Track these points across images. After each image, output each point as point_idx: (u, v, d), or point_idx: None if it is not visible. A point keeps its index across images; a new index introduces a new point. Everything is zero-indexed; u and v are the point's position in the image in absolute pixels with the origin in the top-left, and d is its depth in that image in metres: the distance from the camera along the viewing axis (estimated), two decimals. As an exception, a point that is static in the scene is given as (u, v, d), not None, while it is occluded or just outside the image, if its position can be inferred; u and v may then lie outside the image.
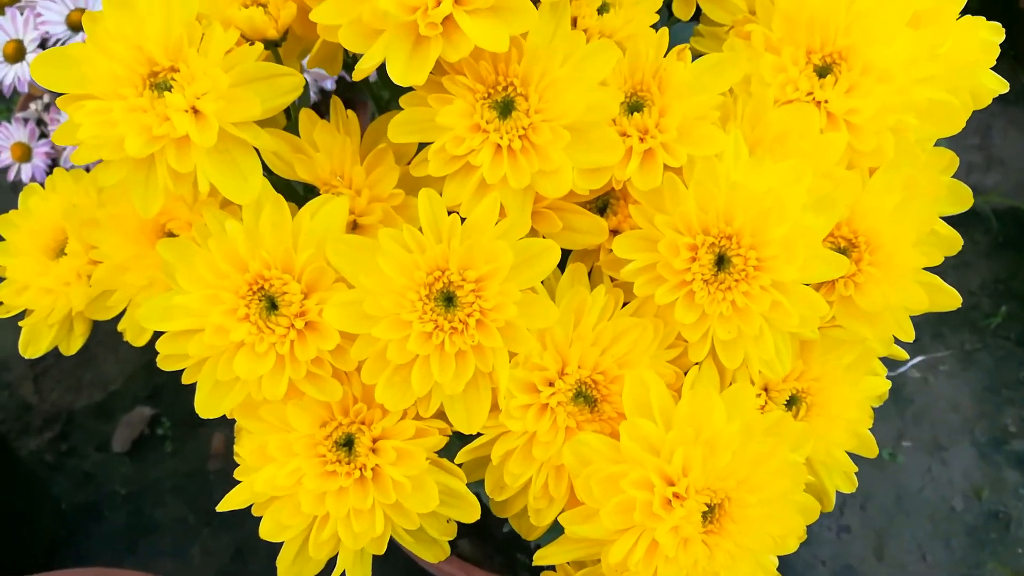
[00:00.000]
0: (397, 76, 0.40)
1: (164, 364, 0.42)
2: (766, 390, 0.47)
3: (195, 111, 0.41)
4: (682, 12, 0.50)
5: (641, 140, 0.43)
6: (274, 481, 0.41)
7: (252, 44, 0.43)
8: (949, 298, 0.46)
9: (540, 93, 0.42)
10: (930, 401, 1.34)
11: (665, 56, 0.44)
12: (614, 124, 0.44)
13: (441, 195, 0.42)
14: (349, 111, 0.46)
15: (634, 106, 0.45)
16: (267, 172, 0.45)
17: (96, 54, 0.41)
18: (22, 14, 0.91)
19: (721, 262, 0.43)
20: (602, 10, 0.46)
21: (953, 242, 0.50)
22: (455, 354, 0.40)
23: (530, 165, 0.42)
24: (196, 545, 1.27)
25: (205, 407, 0.42)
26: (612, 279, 0.45)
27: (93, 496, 1.31)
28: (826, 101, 0.46)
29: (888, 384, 0.49)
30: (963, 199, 0.51)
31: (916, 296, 0.45)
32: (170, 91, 0.41)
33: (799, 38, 0.47)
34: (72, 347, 0.53)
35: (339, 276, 0.42)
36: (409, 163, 0.45)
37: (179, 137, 0.40)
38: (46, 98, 0.98)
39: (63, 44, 0.91)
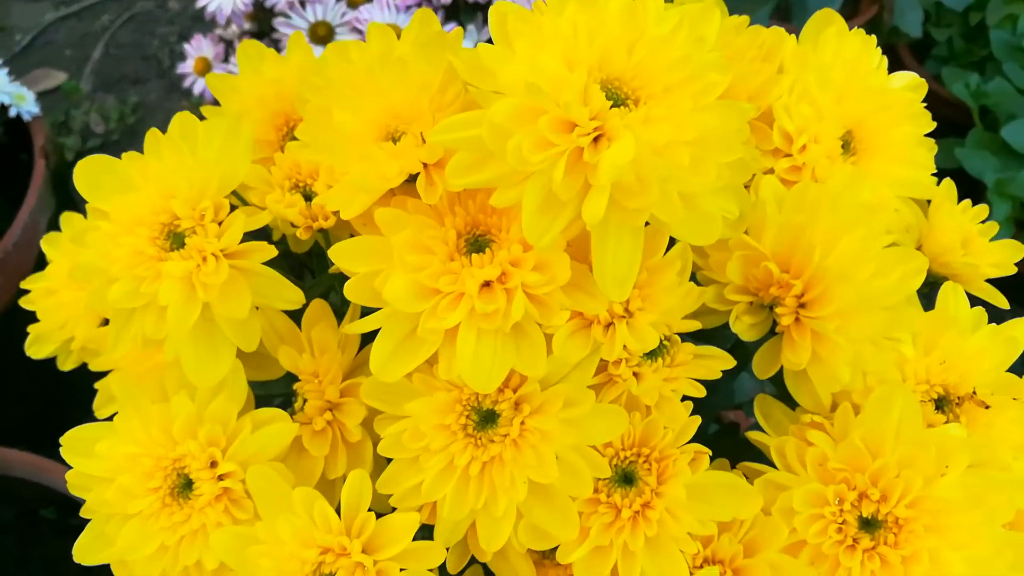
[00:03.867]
0: (377, 366, 0.37)
1: (72, 487, 0.42)
2: None
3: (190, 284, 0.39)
4: (761, 371, 0.43)
5: (610, 523, 0.38)
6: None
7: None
8: None
9: (521, 431, 0.37)
10: None
11: (682, 447, 0.39)
12: (597, 490, 0.39)
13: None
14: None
15: (626, 477, 0.39)
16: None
17: (136, 179, 0.40)
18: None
19: None
20: (655, 354, 0.40)
21: None
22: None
23: (476, 499, 0.38)
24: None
25: (83, 551, 0.42)
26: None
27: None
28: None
29: None
30: None
31: None
32: (183, 248, 0.39)
33: (858, 479, 0.40)
34: (67, 365, 0.55)
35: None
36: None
37: (161, 306, 0.39)
38: (247, 26, 1.00)
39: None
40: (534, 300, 0.36)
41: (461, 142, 0.35)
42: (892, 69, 0.48)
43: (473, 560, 0.42)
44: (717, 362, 0.41)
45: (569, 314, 0.36)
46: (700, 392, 0.40)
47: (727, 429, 0.62)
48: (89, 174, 0.41)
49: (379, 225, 0.38)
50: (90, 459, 0.41)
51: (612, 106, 0.33)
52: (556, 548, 0.41)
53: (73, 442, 0.42)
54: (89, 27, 1.60)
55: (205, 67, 1.00)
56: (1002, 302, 0.47)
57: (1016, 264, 0.48)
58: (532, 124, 0.32)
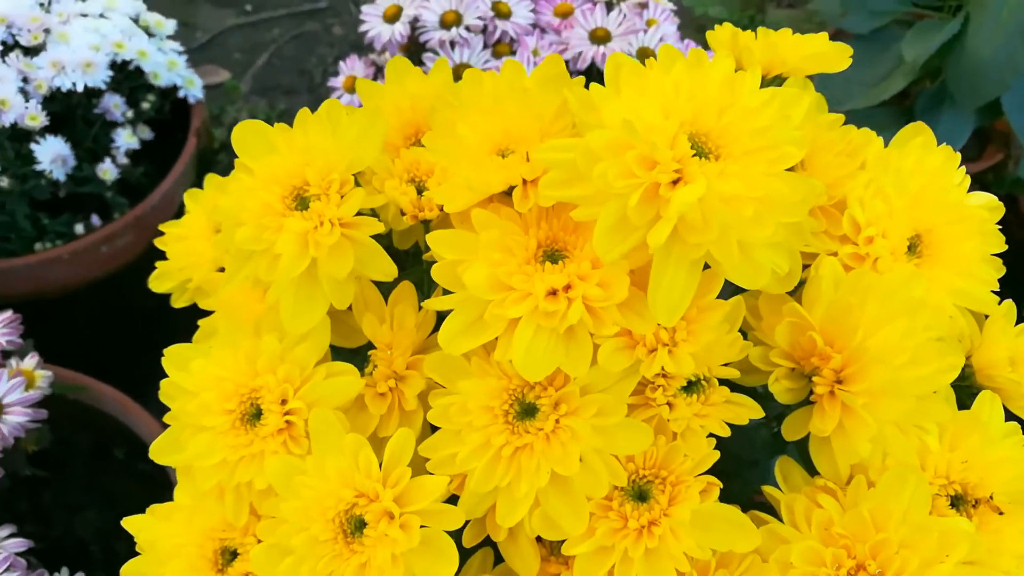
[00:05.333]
0: (445, 338, 0.42)
1: (163, 395, 0.48)
2: None
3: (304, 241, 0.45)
4: (789, 434, 0.46)
5: (616, 529, 0.41)
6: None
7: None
8: None
9: (554, 427, 0.42)
10: None
11: (697, 476, 0.42)
12: (610, 498, 0.42)
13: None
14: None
15: (641, 495, 0.42)
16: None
17: (282, 146, 0.47)
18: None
19: None
20: (692, 390, 0.43)
21: None
22: (360, 565, 0.42)
23: (502, 477, 0.42)
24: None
25: (159, 451, 0.48)
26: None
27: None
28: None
29: None
30: None
31: None
32: (306, 210, 0.46)
33: (859, 549, 0.42)
34: (179, 303, 0.62)
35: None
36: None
37: (276, 254, 0.45)
38: (399, 55, 1.10)
39: None
40: (591, 311, 0.41)
41: (558, 162, 0.40)
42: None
43: (487, 543, 0.46)
44: (747, 411, 0.44)
45: (618, 329, 0.40)
46: (725, 432, 0.43)
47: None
48: (244, 134, 0.48)
49: (474, 222, 0.43)
50: (183, 373, 0.47)
51: (694, 155, 0.38)
52: (562, 546, 0.45)
53: (174, 356, 0.48)
54: (261, 37, 1.76)
55: (353, 84, 1.10)
56: (1040, 427, 0.48)
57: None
58: (621, 155, 0.37)
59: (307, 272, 0.45)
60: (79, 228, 1.06)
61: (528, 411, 0.43)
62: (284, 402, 0.46)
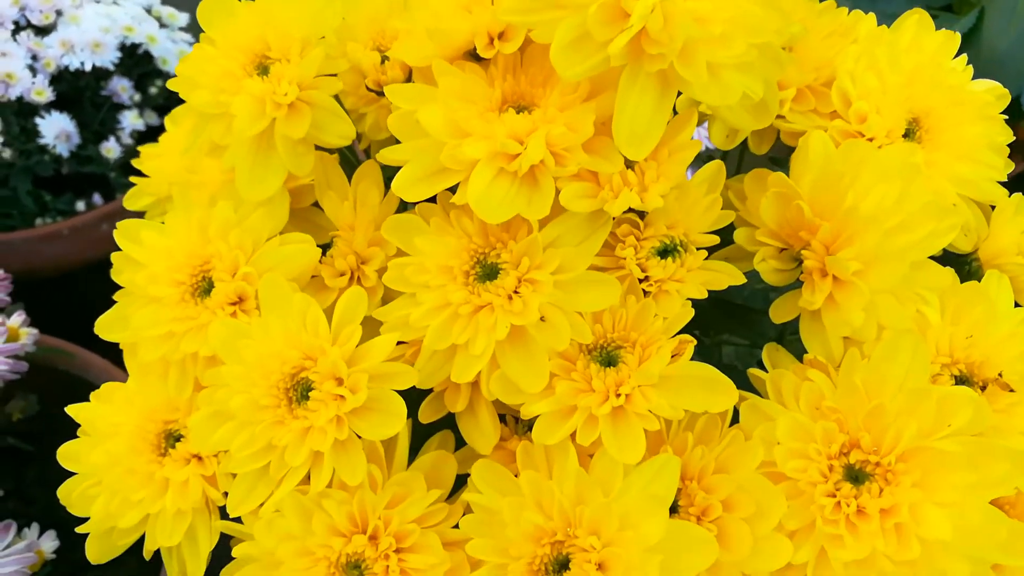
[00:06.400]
0: (400, 186, 0.39)
1: (114, 271, 0.46)
2: None
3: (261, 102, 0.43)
4: (778, 316, 0.42)
5: (579, 390, 0.38)
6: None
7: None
8: None
9: (516, 285, 0.38)
10: None
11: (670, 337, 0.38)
12: (573, 360, 0.39)
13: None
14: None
15: (609, 360, 0.39)
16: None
17: (244, 13, 0.46)
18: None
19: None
20: (667, 254, 0.40)
21: None
22: (303, 430, 0.39)
23: (459, 335, 0.38)
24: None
25: (104, 327, 0.45)
26: None
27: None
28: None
29: None
30: None
31: None
32: (265, 75, 0.44)
33: (851, 422, 0.38)
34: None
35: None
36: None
37: (231, 115, 0.43)
38: None
39: None
40: (554, 155, 0.38)
41: (519, -11, 0.38)
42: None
43: (447, 426, 0.42)
44: (725, 276, 0.40)
45: (580, 169, 0.38)
46: (703, 294, 0.39)
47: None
48: (209, 8, 0.47)
49: (435, 74, 0.41)
50: (134, 244, 0.45)
51: (661, -21, 0.36)
52: (526, 428, 0.42)
53: (126, 228, 0.46)
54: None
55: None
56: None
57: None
58: (577, -31, 0.35)
59: (264, 136, 0.43)
60: (80, 206, 1.05)
61: (490, 274, 0.40)
62: (236, 274, 0.43)
